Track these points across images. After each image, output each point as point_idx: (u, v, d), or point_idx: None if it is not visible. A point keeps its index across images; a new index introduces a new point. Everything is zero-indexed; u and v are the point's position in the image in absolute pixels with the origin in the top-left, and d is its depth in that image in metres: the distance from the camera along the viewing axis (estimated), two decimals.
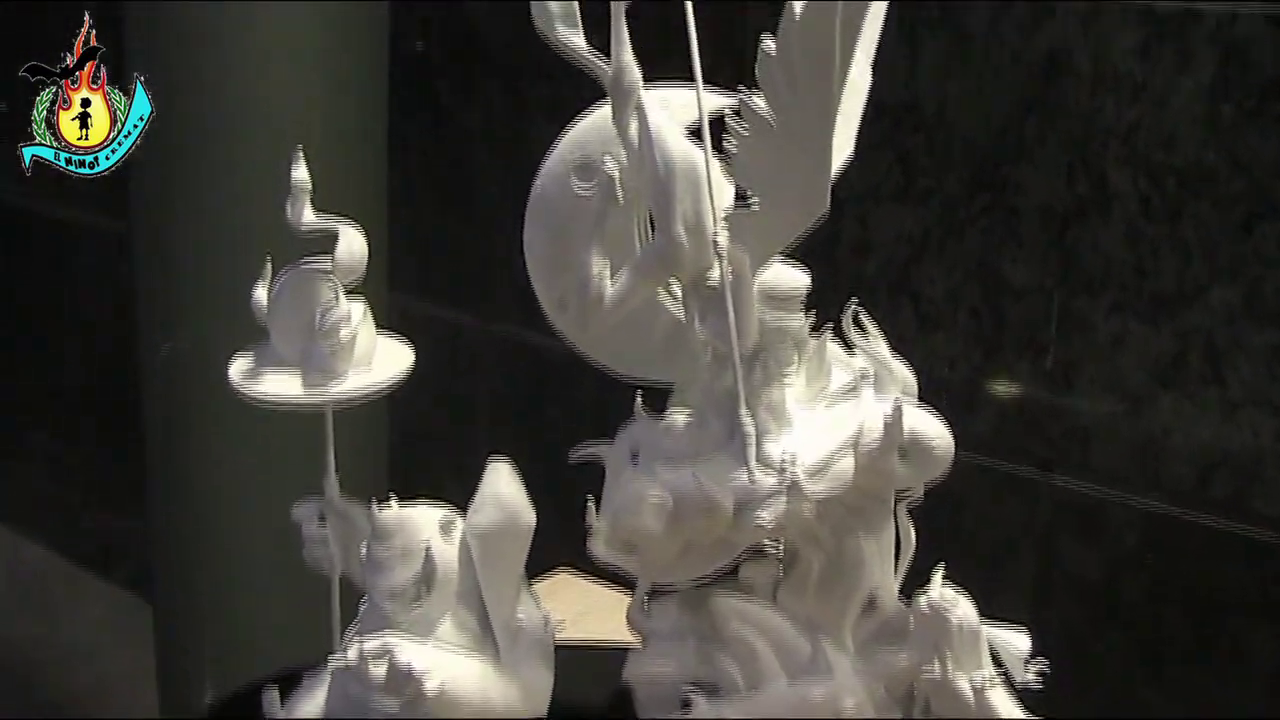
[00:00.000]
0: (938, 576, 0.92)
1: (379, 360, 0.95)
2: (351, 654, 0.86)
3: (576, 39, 0.86)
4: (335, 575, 0.96)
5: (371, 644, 0.86)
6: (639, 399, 0.91)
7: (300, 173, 0.93)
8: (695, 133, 0.85)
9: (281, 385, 0.93)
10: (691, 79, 0.85)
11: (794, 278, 0.88)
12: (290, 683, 0.94)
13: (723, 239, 0.83)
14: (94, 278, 2.71)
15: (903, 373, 0.93)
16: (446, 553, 0.88)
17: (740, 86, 0.80)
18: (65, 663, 2.53)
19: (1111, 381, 1.50)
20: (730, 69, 0.83)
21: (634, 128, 0.85)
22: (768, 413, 0.86)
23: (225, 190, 1.68)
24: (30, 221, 2.76)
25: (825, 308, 0.91)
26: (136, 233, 1.81)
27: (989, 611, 0.92)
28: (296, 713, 0.92)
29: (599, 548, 0.88)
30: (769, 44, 0.77)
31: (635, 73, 0.85)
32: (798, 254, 0.86)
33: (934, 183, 1.58)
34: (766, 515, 0.83)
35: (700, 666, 0.92)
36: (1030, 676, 0.91)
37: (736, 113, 0.80)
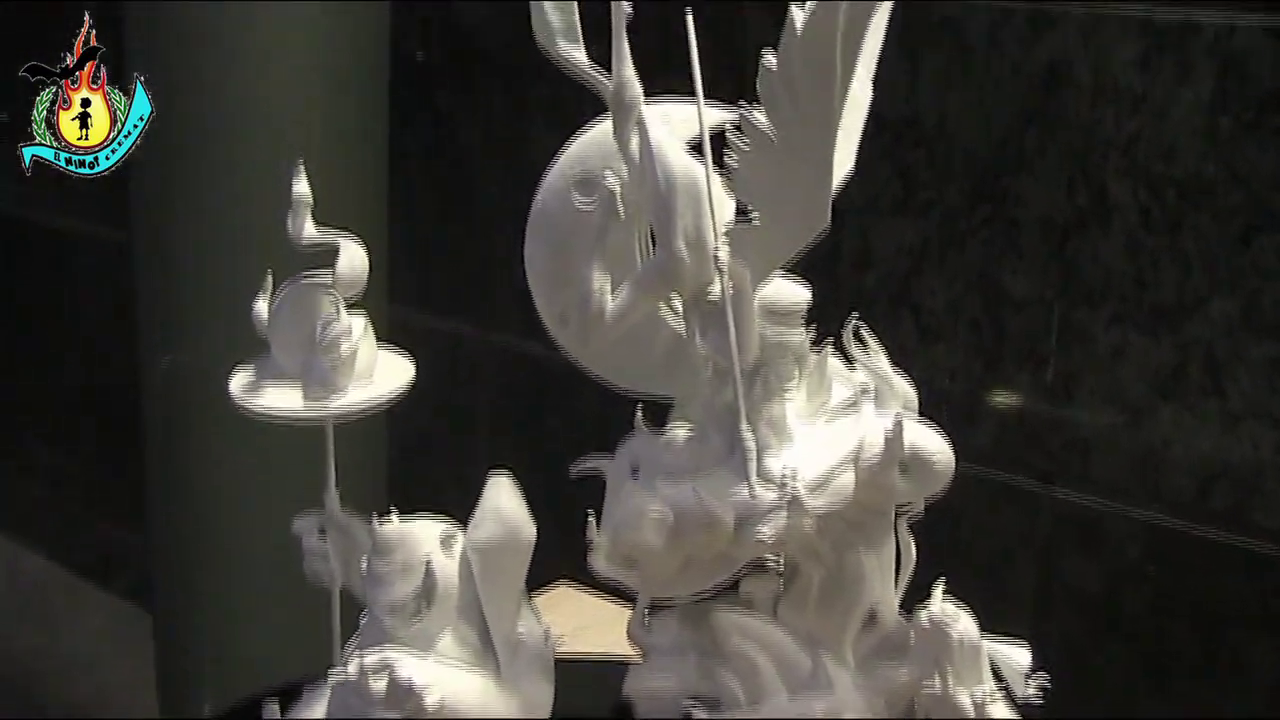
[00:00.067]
0: (938, 591, 0.92)
1: (380, 374, 0.95)
2: (352, 668, 0.86)
3: (578, 54, 0.86)
4: (335, 589, 0.96)
5: (372, 658, 0.86)
6: (639, 413, 0.91)
7: (301, 186, 0.92)
8: (696, 148, 0.85)
9: (282, 399, 0.92)
10: (692, 94, 0.85)
11: (795, 292, 0.88)
12: (290, 696, 0.94)
13: (723, 254, 0.82)
14: (94, 287, 2.71)
15: (903, 387, 0.92)
16: (447, 567, 0.88)
17: (741, 101, 0.80)
18: (65, 673, 2.52)
19: (1112, 393, 1.50)
20: (731, 84, 0.83)
21: (635, 143, 0.85)
22: (768, 428, 0.85)
23: (225, 191, 1.68)
24: (30, 230, 2.76)
25: (826, 322, 0.91)
26: (136, 239, 1.81)
27: (989, 625, 0.92)
28: None
29: (599, 562, 0.88)
30: (770, 59, 0.77)
31: (636, 88, 0.84)
32: (798, 269, 0.86)
33: (934, 195, 1.59)
34: (767, 530, 0.83)
35: (701, 681, 0.92)
36: (1031, 691, 0.91)
37: (737, 128, 0.80)
